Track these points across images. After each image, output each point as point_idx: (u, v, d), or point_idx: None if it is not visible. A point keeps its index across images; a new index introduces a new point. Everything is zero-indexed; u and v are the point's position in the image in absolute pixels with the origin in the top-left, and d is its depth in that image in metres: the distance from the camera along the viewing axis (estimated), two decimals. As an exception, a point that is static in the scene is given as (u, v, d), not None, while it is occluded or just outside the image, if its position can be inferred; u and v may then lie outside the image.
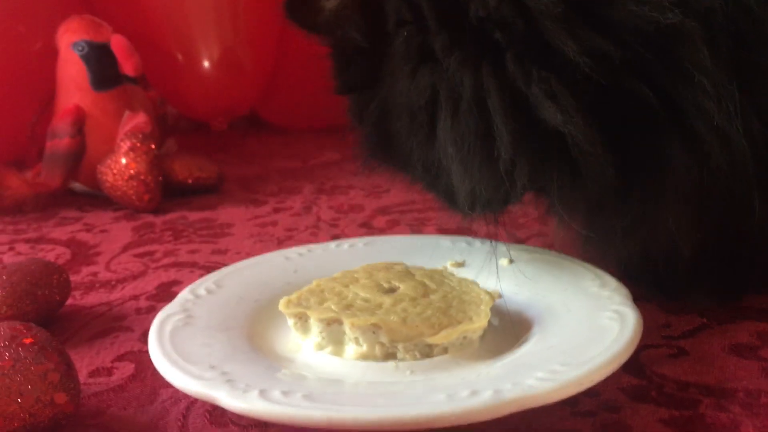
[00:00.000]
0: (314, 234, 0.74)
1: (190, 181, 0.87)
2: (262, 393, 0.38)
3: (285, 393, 0.38)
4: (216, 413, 0.42)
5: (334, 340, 0.45)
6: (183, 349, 0.43)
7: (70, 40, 0.86)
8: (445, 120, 0.44)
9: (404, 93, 0.46)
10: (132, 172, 0.80)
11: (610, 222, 0.46)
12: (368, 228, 0.75)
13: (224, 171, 0.93)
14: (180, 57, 1.08)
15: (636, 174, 0.44)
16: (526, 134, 0.42)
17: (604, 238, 0.48)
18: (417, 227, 0.75)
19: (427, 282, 0.48)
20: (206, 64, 1.09)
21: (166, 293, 0.60)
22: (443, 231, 0.71)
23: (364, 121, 0.50)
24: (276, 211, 0.82)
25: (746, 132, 0.42)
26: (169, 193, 0.86)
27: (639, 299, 0.47)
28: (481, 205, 0.46)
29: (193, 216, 0.81)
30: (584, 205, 0.46)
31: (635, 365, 0.45)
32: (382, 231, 0.74)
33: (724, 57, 0.41)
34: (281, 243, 0.71)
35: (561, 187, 0.44)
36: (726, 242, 0.50)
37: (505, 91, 0.42)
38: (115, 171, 0.81)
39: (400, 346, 0.44)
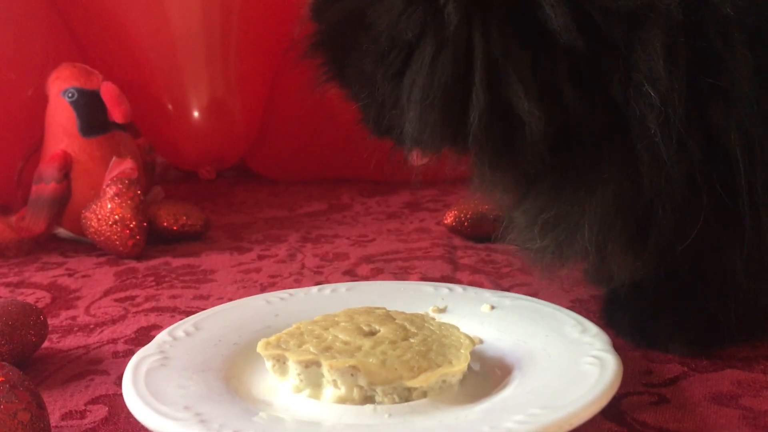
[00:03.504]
0: (298, 281, 0.74)
1: (175, 227, 0.87)
2: (236, 434, 0.37)
3: (259, 434, 0.37)
4: (189, 457, 0.41)
5: (313, 382, 0.44)
6: (157, 389, 0.43)
7: (61, 87, 0.87)
8: (422, 64, 0.44)
9: (391, 18, 0.45)
10: (116, 217, 0.80)
11: (534, 211, 0.48)
12: (352, 276, 0.75)
13: (211, 219, 0.93)
14: (170, 106, 1.09)
15: (573, 173, 0.45)
16: (494, 109, 0.43)
17: (524, 227, 0.50)
18: (401, 275, 0.74)
19: (408, 326, 0.48)
20: (196, 113, 1.10)
21: (145, 337, 0.59)
22: (427, 280, 0.71)
23: (322, 18, 0.50)
24: (260, 258, 0.82)
25: (683, 159, 0.43)
26: (154, 240, 0.85)
27: (621, 348, 0.47)
28: (418, 146, 0.47)
29: (177, 262, 0.80)
30: (517, 183, 0.49)
31: (616, 412, 0.45)
32: (366, 279, 0.73)
33: (681, 73, 0.42)
34: (264, 289, 0.71)
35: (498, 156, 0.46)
36: (699, 288, 0.50)
37: (487, 60, 0.43)
38: (99, 216, 0.81)
39: (378, 390, 0.43)
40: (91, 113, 0.87)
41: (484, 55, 0.43)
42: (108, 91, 0.86)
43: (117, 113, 0.86)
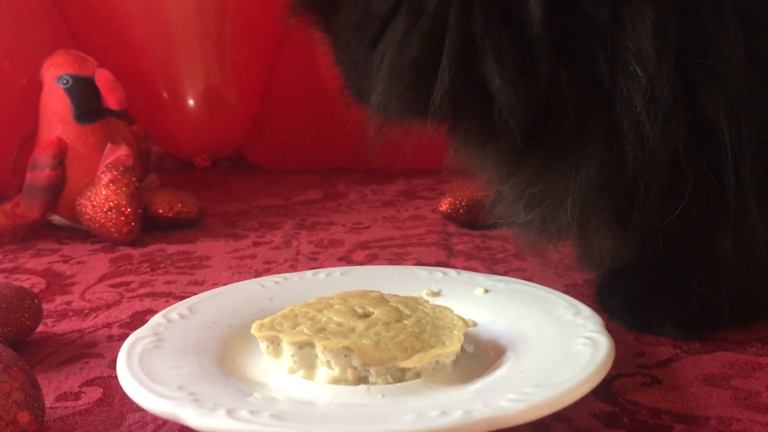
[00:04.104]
0: (293, 267, 0.74)
1: (170, 214, 0.87)
2: (230, 412, 0.37)
3: (253, 412, 0.37)
4: (183, 436, 0.42)
5: (306, 363, 0.44)
6: (151, 370, 0.43)
7: (55, 74, 0.87)
8: (393, 38, 0.45)
9: None
10: (111, 203, 0.80)
11: (521, 185, 0.49)
12: (347, 261, 0.75)
13: (206, 207, 0.93)
14: (165, 94, 1.09)
15: (560, 149, 0.46)
16: (462, 88, 0.44)
17: (511, 201, 0.50)
18: (396, 261, 0.75)
19: (401, 308, 0.48)
20: (191, 102, 1.10)
21: (139, 322, 0.59)
22: (422, 265, 0.71)
23: None
24: (255, 244, 0.82)
25: (668, 138, 0.43)
26: (149, 227, 0.86)
27: (614, 331, 0.47)
28: (383, 115, 0.49)
29: (172, 248, 0.80)
30: (499, 158, 0.49)
31: (608, 393, 0.45)
32: (360, 264, 0.74)
33: (670, 52, 0.42)
34: (259, 275, 0.71)
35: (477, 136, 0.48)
36: (691, 272, 0.50)
37: (460, 38, 0.43)
38: (94, 202, 0.81)
39: (372, 370, 0.43)
40: (86, 100, 0.87)
41: (458, 31, 0.43)
42: (102, 78, 0.86)
43: (112, 100, 0.86)
